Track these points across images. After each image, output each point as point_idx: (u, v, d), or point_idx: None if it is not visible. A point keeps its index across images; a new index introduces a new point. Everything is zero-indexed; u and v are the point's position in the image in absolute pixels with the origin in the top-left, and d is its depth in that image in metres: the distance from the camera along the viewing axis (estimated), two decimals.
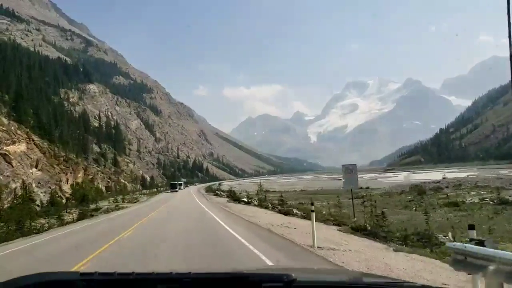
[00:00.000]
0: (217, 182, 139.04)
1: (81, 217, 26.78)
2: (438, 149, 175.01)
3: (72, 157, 53.09)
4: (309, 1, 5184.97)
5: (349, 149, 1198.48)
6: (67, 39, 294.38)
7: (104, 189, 59.94)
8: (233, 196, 40.37)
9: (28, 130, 42.85)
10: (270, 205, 25.89)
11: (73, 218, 26.71)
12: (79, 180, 47.05)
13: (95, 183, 54.74)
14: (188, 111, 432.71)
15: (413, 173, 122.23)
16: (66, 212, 29.82)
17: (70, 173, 46.03)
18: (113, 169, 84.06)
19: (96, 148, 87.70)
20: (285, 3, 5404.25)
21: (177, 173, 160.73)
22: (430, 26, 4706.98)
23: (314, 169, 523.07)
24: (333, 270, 4.94)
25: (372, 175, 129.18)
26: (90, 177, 54.62)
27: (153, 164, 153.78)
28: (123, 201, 45.48)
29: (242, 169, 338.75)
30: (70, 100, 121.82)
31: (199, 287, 1.68)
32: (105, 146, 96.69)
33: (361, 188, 50.52)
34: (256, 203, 28.95)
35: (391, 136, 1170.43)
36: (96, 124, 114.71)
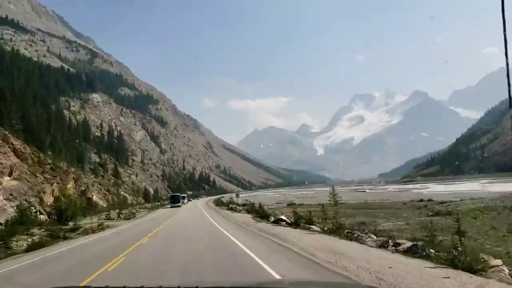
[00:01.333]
0: (225, 195, 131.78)
1: (39, 244, 18.40)
2: (458, 160, 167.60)
3: (61, 165, 46.63)
4: (315, 14, 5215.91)
5: (356, 162, 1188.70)
6: (72, 50, 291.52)
7: (100, 201, 53.47)
8: (258, 212, 30.24)
9: (6, 132, 36.68)
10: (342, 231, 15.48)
11: (28, 244, 18.86)
12: (69, 192, 40.69)
13: (88, 195, 48.21)
14: (194, 123, 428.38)
15: (446, 184, 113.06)
16: (27, 233, 22.65)
17: (57, 183, 39.54)
18: (112, 181, 77.58)
19: (95, 158, 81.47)
20: (290, 15, 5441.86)
21: (183, 186, 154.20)
22: (437, 37, 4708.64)
23: (322, 182, 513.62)
24: (332, 284, 4.21)
25: (396, 186, 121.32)
26: (83, 188, 48.20)
27: (157, 176, 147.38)
28: (118, 216, 38.78)
29: (249, 182, 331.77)
30: (71, 109, 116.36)
31: None
32: (106, 156, 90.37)
33: (429, 200, 42.93)
34: (317, 227, 17.76)
35: (399, 148, 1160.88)
36: (98, 134, 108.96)
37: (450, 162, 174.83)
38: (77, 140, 70.14)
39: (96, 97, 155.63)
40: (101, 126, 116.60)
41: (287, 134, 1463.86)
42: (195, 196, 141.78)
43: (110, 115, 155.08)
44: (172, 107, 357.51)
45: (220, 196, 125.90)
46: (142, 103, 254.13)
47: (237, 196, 43.30)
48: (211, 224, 25.25)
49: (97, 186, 59.53)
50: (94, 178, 64.21)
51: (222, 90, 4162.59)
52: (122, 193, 72.70)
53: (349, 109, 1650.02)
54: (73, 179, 45.91)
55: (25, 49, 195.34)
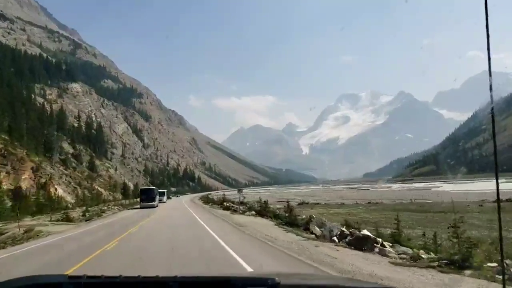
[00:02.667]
0: (212, 192, 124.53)
1: None
2: (456, 159, 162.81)
3: (18, 152, 39.29)
4: (303, 14, 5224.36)
5: (341, 161, 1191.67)
6: (54, 40, 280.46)
7: (68, 196, 46.01)
8: (280, 216, 20.58)
9: None
10: None
11: None
12: (25, 184, 33.48)
13: (50, 188, 40.79)
14: (179, 119, 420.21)
15: (456, 183, 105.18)
16: None
17: (7, 173, 32.51)
18: (86, 174, 69.65)
19: (69, 149, 73.81)
20: (278, 15, 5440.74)
21: (167, 182, 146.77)
22: (423, 40, 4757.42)
23: (308, 181, 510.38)
24: (318, 276, 4.19)
25: (400, 185, 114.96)
26: (44, 180, 40.79)
27: (139, 171, 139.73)
28: (83, 215, 31.34)
29: (235, 179, 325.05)
30: (47, 97, 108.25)
31: None
32: (82, 147, 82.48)
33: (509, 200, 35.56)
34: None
35: (383, 148, 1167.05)
36: (75, 124, 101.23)
37: (445, 162, 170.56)
38: (48, 128, 61.86)
39: (76, 87, 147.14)
40: (79, 116, 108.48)
41: (273, 133, 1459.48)
42: (180, 193, 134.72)
43: (90, 106, 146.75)
44: (157, 102, 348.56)
45: (206, 193, 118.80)
46: (126, 96, 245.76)
47: (240, 191, 32.15)
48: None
49: (65, 179, 52.09)
50: (63, 170, 56.65)
51: (208, 88, 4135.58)
52: (96, 187, 64.99)
53: (335, 109, 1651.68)
54: (31, 168, 38.68)
55: (3, 36, 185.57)
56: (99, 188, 66.14)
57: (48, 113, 76.94)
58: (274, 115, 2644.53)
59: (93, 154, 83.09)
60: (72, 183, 52.90)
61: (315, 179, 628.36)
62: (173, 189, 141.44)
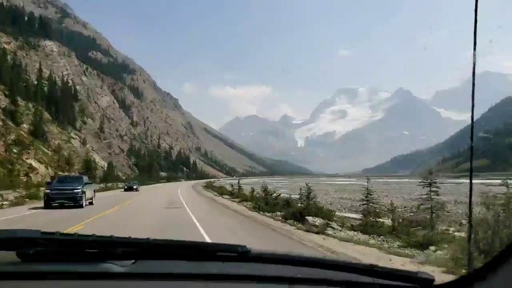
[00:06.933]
0: (213, 179, 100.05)
1: None
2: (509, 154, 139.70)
3: None
4: (300, 5, 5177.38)
5: (337, 156, 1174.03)
6: (39, 6, 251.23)
7: None
8: None
9: None
10: None
11: None
12: None
13: None
14: (174, 102, 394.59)
15: None
16: None
17: None
18: (21, 138, 44.32)
19: (3, 103, 48.75)
20: (275, 5, 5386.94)
21: (156, 165, 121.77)
22: (421, 38, 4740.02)
23: (303, 173, 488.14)
24: (292, 252, 3.96)
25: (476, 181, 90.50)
26: None
27: (121, 149, 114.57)
28: None
29: (232, 168, 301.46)
30: (4, 46, 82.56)
31: (156, 252, 1.72)
32: (30, 105, 57.06)
33: None
34: None
35: (380, 145, 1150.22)
36: (35, 82, 75.93)
37: (499, 156, 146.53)
38: None
39: (50, 45, 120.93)
40: (40, 72, 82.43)
41: (268, 124, 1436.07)
42: (174, 179, 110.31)
43: (67, 70, 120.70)
44: (152, 82, 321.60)
45: (208, 180, 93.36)
46: (116, 70, 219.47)
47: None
48: None
49: None
50: None
51: (202, 76, 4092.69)
52: (29, 161, 39.71)
53: (332, 102, 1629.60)
54: None
55: None
56: (35, 163, 40.78)
57: None
58: (269, 106, 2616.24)
59: (43, 116, 57.46)
60: None
61: (311, 172, 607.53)
62: (163, 173, 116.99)
